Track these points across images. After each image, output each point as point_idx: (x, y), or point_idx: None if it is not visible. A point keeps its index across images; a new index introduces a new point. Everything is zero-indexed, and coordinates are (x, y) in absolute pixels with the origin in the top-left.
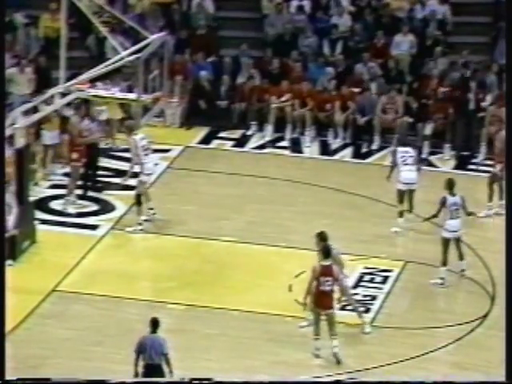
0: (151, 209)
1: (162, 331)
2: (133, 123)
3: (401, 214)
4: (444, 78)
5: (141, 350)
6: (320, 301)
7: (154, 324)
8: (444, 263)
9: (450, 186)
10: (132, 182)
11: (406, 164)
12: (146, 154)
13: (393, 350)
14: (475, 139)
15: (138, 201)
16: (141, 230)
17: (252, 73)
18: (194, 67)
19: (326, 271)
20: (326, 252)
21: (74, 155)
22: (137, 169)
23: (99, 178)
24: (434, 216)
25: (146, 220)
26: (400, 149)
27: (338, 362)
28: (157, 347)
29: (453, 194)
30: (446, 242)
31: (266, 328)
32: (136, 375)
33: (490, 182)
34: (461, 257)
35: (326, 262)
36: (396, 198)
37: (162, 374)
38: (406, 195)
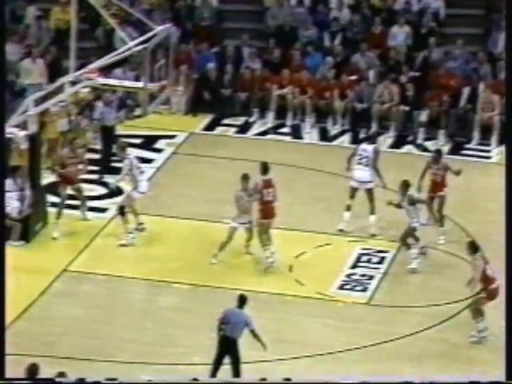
0: (141, 223)
1: (167, 309)
2: (125, 143)
3: (348, 208)
4: (439, 67)
5: (224, 322)
6: (266, 211)
7: (242, 300)
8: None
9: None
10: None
11: (360, 163)
12: (141, 172)
13: (388, 328)
14: (469, 125)
15: (123, 212)
16: (133, 238)
17: (253, 62)
18: (198, 57)
19: (268, 184)
20: (264, 168)
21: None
22: (130, 185)
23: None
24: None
25: (136, 229)
26: (361, 146)
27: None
28: (239, 322)
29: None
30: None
31: (268, 307)
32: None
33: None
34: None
35: (266, 177)
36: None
37: (236, 349)
38: (361, 193)
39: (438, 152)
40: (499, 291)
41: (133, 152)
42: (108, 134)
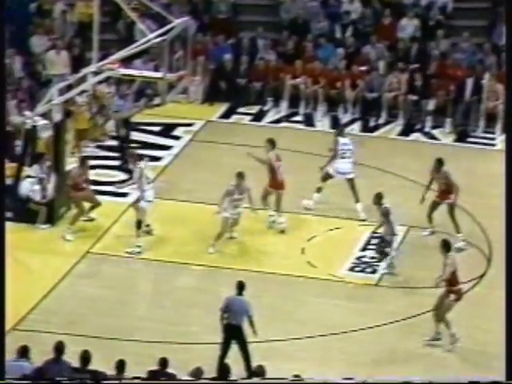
0: (148, 225)
1: (182, 290)
2: (136, 153)
3: (318, 190)
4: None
5: (226, 309)
6: (276, 181)
7: (240, 287)
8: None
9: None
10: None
11: (344, 157)
12: (149, 183)
13: (397, 308)
14: (474, 114)
15: (139, 226)
16: (139, 252)
17: (268, 53)
18: (215, 49)
19: (278, 158)
20: (272, 143)
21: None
22: (137, 194)
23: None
24: None
25: (146, 232)
26: (341, 140)
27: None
28: (241, 309)
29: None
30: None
31: (281, 288)
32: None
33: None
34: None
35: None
36: (322, 176)
37: (241, 334)
38: (346, 183)
39: (439, 161)
40: (462, 294)
41: (143, 162)
42: (124, 125)
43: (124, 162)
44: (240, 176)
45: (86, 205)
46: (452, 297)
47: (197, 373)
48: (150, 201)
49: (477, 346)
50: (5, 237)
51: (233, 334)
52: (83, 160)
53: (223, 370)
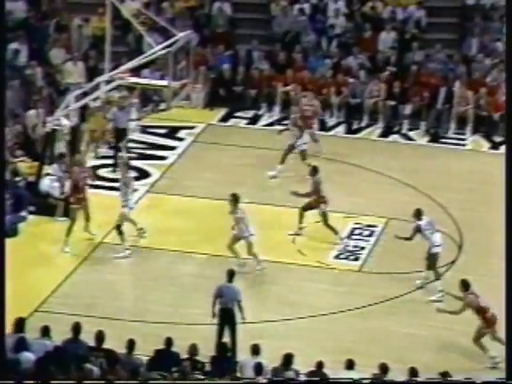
0: (141, 229)
1: (187, 276)
2: (128, 161)
3: (282, 161)
4: (421, 68)
5: (218, 295)
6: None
7: (230, 274)
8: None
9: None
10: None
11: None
12: (134, 191)
13: (378, 292)
14: (446, 117)
15: (120, 231)
16: (129, 254)
17: (262, 64)
18: (214, 59)
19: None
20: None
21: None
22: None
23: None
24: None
25: (140, 235)
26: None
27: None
28: (231, 295)
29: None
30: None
31: (274, 274)
32: (213, 315)
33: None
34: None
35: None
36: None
37: (233, 317)
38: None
39: (314, 169)
40: (496, 317)
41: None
42: (120, 136)
43: (115, 171)
44: (234, 200)
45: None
46: (483, 326)
47: (192, 349)
48: (131, 208)
49: (447, 324)
50: (5, 237)
51: (226, 317)
52: (84, 161)
53: (221, 349)
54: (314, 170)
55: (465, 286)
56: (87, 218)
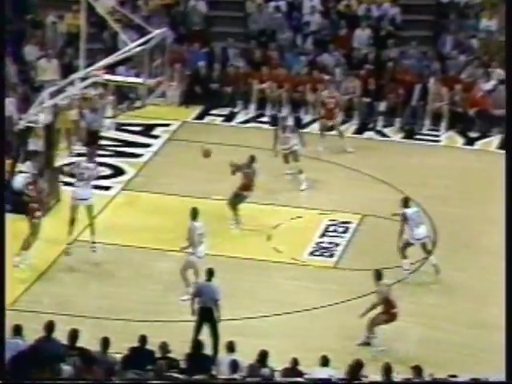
0: (94, 243)
1: (164, 273)
2: (98, 168)
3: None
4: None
5: (196, 294)
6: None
7: (210, 273)
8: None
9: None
10: None
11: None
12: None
13: (352, 288)
14: (421, 114)
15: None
16: (94, 250)
17: (238, 61)
18: (190, 57)
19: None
20: None
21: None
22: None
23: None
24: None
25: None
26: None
27: None
28: (210, 293)
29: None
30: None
31: (250, 271)
32: (193, 313)
33: None
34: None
35: None
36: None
37: (213, 316)
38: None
39: (252, 158)
40: (396, 316)
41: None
42: (92, 138)
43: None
44: (194, 213)
45: None
46: (384, 317)
47: (163, 347)
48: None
49: (424, 319)
50: (5, 236)
51: (205, 316)
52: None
53: (196, 346)
54: (252, 160)
55: (378, 276)
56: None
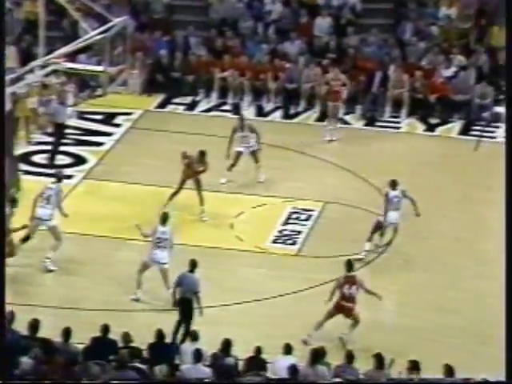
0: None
1: (126, 262)
2: (63, 174)
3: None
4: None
5: (178, 284)
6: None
7: (193, 264)
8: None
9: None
10: None
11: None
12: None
13: (315, 276)
14: (382, 101)
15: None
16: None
17: (199, 49)
18: (152, 45)
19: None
20: None
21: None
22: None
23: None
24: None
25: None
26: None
27: None
28: (191, 285)
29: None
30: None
31: (213, 260)
32: (174, 304)
33: None
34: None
35: None
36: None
37: (191, 307)
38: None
39: (202, 153)
40: (350, 313)
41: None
42: (59, 130)
43: (51, 166)
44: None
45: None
46: (331, 309)
47: (126, 337)
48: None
49: (383, 305)
50: (5, 236)
51: (183, 306)
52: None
53: (158, 336)
54: (202, 154)
55: (349, 266)
56: None
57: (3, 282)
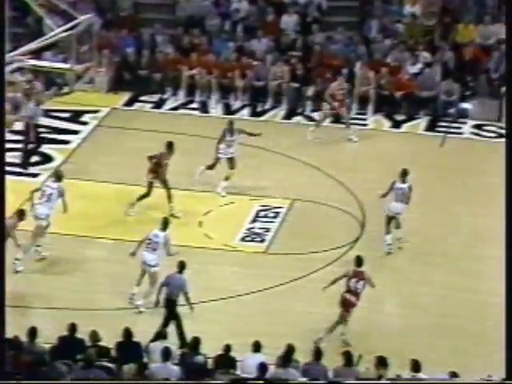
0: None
1: (95, 261)
2: (62, 172)
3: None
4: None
5: (165, 284)
6: None
7: (181, 265)
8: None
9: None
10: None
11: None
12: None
13: (284, 273)
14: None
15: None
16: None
17: (166, 47)
18: (119, 43)
19: None
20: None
21: None
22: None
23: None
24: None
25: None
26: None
27: None
28: (178, 286)
29: (403, 182)
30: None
31: (182, 258)
32: (156, 304)
33: None
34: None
35: None
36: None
37: (174, 308)
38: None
39: (170, 144)
40: (350, 308)
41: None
42: (36, 132)
43: (23, 165)
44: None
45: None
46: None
47: (93, 336)
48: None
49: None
50: (5, 236)
51: (168, 307)
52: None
53: (126, 334)
54: (170, 149)
55: (359, 262)
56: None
57: (3, 282)
